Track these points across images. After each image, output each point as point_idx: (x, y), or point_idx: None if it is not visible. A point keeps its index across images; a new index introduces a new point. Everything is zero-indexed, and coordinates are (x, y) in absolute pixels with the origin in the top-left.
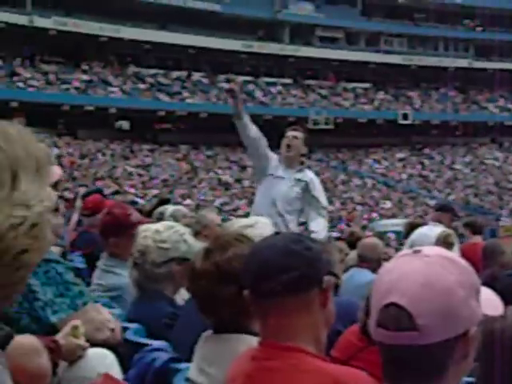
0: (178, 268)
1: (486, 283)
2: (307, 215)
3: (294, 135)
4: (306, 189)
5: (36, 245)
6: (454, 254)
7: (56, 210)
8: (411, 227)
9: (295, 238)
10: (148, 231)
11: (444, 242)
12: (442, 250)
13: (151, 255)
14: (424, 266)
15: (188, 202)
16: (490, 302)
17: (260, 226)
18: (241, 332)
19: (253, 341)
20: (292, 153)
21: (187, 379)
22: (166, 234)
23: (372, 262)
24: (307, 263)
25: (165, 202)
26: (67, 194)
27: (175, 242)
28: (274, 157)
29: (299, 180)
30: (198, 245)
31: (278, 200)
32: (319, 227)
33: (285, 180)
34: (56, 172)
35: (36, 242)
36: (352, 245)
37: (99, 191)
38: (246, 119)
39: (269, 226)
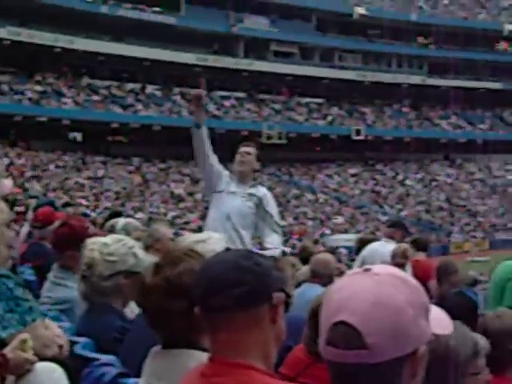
0: (126, 281)
1: (435, 302)
2: (261, 231)
3: (246, 151)
4: (260, 204)
5: None
6: (405, 273)
7: (12, 222)
8: (362, 243)
9: (245, 254)
10: (96, 244)
11: (402, 256)
12: (392, 269)
13: (98, 268)
14: (374, 285)
15: (140, 215)
16: (439, 321)
17: (212, 241)
18: (191, 347)
19: (203, 356)
20: (245, 168)
21: None
22: (113, 246)
23: (324, 278)
24: (257, 278)
25: (117, 214)
26: (17, 208)
27: (123, 255)
28: (225, 173)
29: (252, 195)
30: (148, 258)
31: (232, 214)
32: (274, 243)
33: (238, 195)
34: (7, 185)
35: None
36: (304, 260)
37: (51, 203)
38: (205, 131)
39: (221, 242)
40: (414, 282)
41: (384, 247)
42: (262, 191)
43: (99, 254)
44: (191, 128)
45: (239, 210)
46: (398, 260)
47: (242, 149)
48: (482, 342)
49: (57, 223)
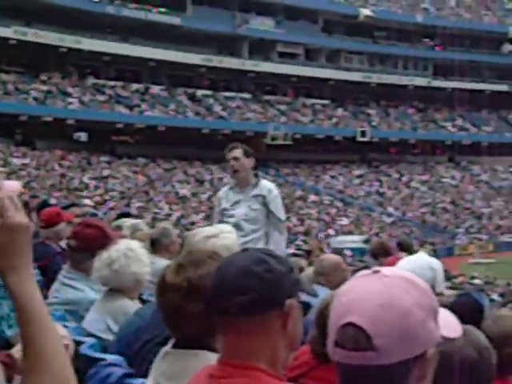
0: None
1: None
2: (267, 230)
3: (233, 156)
4: (265, 203)
5: None
6: (413, 275)
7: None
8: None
9: (259, 257)
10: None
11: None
12: (401, 271)
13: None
14: (383, 287)
15: (144, 215)
16: (447, 324)
17: (224, 235)
18: (203, 348)
19: (214, 358)
20: (239, 175)
21: None
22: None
23: (330, 279)
24: (266, 286)
25: (125, 215)
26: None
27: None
28: (221, 195)
29: (256, 196)
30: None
31: (240, 222)
32: (276, 243)
33: (242, 202)
34: (16, 186)
35: None
36: (311, 261)
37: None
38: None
39: (233, 235)
40: (422, 283)
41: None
42: (265, 188)
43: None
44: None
45: (246, 216)
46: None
47: (229, 155)
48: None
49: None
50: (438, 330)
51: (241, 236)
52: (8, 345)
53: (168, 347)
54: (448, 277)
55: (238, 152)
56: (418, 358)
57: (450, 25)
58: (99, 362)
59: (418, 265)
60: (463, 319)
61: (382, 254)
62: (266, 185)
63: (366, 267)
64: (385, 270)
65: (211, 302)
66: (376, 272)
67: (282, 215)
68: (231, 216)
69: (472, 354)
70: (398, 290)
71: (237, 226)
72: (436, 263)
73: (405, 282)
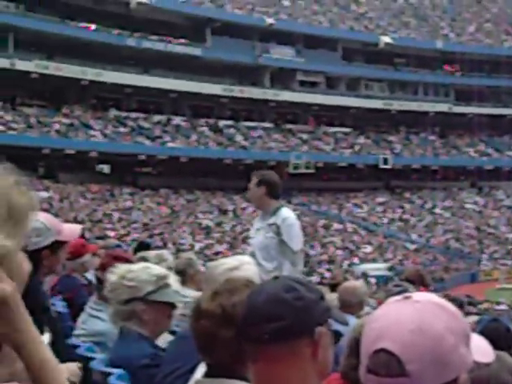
0: (144, 308)
1: None
2: (280, 261)
3: (248, 187)
4: (279, 232)
5: None
6: (444, 300)
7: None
8: None
9: (289, 285)
10: (121, 269)
11: None
12: (432, 296)
13: (118, 291)
14: (414, 313)
15: (168, 246)
16: (480, 349)
17: (245, 267)
18: (235, 377)
19: None
20: (254, 203)
21: None
22: (136, 273)
23: (353, 306)
24: (296, 313)
25: (144, 246)
26: None
27: (142, 282)
28: (254, 223)
29: (271, 224)
30: (187, 291)
31: (256, 251)
32: (286, 274)
33: (261, 230)
34: (76, 230)
35: None
36: (333, 289)
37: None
38: None
39: (253, 267)
40: (453, 308)
41: None
42: (281, 216)
43: (120, 279)
44: None
45: (260, 243)
46: None
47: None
48: None
49: (89, 255)
50: (470, 355)
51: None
52: None
53: (198, 376)
54: (473, 303)
55: (252, 181)
56: (451, 383)
57: (470, 50)
58: None
59: None
60: (492, 344)
61: (418, 282)
62: (283, 213)
63: (402, 291)
64: (416, 295)
65: (241, 329)
66: (407, 298)
67: (296, 245)
68: (251, 244)
69: (507, 379)
70: (429, 316)
71: (253, 255)
72: None
73: (436, 307)
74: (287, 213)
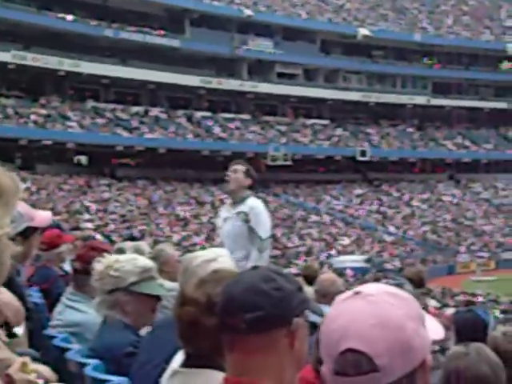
0: (126, 298)
1: None
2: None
3: (233, 169)
4: (247, 219)
5: None
6: (395, 288)
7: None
8: None
9: (268, 275)
10: (109, 259)
11: None
12: (380, 286)
13: (104, 281)
14: (371, 307)
15: (146, 238)
16: (432, 327)
17: (222, 259)
18: (213, 367)
19: (222, 377)
20: (231, 186)
21: None
22: (122, 264)
23: (331, 297)
24: (273, 304)
25: (130, 239)
26: None
27: (126, 273)
28: (219, 213)
29: (239, 212)
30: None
31: (224, 239)
32: (254, 262)
33: (229, 219)
34: (47, 217)
35: None
36: (309, 280)
37: (58, 226)
38: None
39: (229, 259)
40: (405, 294)
41: None
42: (248, 204)
43: (107, 268)
44: None
45: (229, 233)
46: None
47: (230, 167)
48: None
49: (66, 245)
50: (428, 336)
51: None
52: None
53: (176, 366)
54: (450, 294)
55: (239, 167)
56: (420, 367)
57: (448, 43)
58: (104, 383)
59: None
60: (467, 335)
61: (417, 283)
62: (251, 201)
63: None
64: (365, 288)
65: (219, 319)
66: (358, 293)
67: (264, 233)
68: (220, 234)
69: (485, 370)
70: (385, 307)
71: (222, 245)
72: None
73: (389, 297)
74: (255, 202)
